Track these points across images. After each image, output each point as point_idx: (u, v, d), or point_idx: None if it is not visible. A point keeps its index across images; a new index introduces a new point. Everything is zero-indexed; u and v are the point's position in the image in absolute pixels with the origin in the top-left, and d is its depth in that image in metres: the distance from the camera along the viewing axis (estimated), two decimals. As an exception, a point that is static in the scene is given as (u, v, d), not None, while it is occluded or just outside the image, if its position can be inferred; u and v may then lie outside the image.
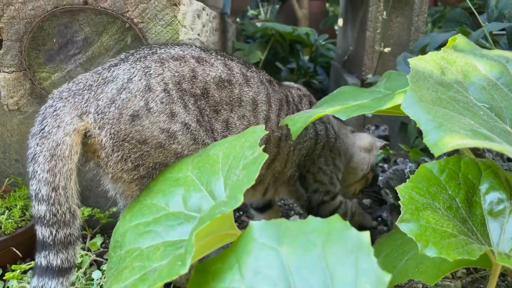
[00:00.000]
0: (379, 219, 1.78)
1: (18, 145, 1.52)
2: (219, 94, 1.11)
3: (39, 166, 0.94)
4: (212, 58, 1.15)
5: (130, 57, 1.06)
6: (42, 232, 0.95)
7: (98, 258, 1.32)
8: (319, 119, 1.46)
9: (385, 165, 1.83)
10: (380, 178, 1.67)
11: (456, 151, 1.20)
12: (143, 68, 1.02)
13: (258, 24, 3.82)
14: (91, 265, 1.31)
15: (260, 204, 1.62)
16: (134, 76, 1.00)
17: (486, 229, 0.78)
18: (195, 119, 1.05)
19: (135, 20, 1.28)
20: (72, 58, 1.30)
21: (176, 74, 1.05)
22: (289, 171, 1.41)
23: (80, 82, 1.03)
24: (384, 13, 2.32)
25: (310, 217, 0.57)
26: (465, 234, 0.74)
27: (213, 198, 0.88)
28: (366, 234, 0.52)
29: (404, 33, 2.44)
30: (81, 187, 1.46)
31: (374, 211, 1.82)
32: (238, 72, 1.19)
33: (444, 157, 0.87)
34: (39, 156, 0.94)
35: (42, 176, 0.93)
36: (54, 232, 0.94)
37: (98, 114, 0.98)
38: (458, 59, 0.90)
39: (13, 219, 1.31)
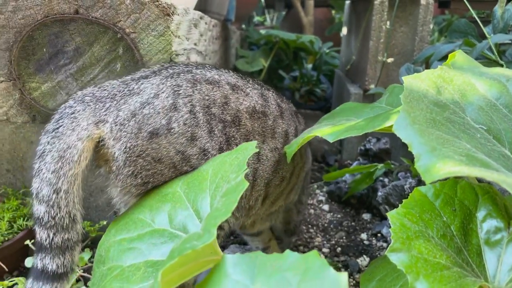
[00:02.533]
0: (379, 235, 1.73)
1: (9, 155, 1.50)
2: (251, 124, 1.08)
3: (45, 165, 0.91)
4: (249, 87, 1.12)
5: (163, 71, 1.03)
6: (40, 233, 0.92)
7: (85, 274, 1.29)
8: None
9: (386, 179, 1.79)
10: (379, 193, 1.63)
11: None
12: (173, 86, 0.99)
13: (263, 31, 3.79)
14: (78, 280, 1.27)
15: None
16: (162, 93, 0.97)
17: (482, 260, 0.73)
18: (217, 147, 1.01)
19: (127, 30, 1.25)
20: (62, 68, 1.28)
21: (207, 98, 1.01)
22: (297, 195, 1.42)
23: (105, 89, 1.00)
24: (388, 22, 2.28)
25: (288, 251, 0.54)
26: (460, 266, 0.70)
27: (199, 217, 0.85)
28: (344, 276, 0.48)
29: (408, 43, 2.40)
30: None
31: (374, 227, 1.77)
32: (274, 103, 1.17)
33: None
34: (47, 155, 0.92)
35: (46, 176, 0.91)
36: (51, 235, 0.92)
37: (116, 125, 0.94)
38: (455, 78, 0.85)
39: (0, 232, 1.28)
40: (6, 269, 1.28)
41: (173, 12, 1.28)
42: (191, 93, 1.00)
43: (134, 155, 0.95)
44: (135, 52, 1.27)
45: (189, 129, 0.97)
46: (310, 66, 3.52)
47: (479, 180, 0.90)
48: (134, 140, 0.94)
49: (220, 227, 1.07)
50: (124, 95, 0.97)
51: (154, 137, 0.95)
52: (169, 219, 0.89)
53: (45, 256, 0.92)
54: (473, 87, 0.84)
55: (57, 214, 0.91)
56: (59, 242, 0.92)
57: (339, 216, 1.89)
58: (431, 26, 3.48)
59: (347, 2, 3.06)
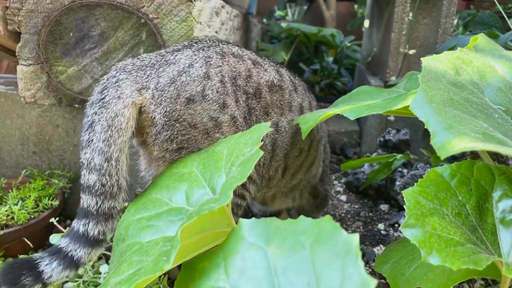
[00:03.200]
0: (396, 225, 1.73)
1: (36, 138, 1.55)
2: (270, 97, 1.14)
3: (95, 135, 0.95)
4: (266, 64, 1.19)
5: (194, 44, 1.10)
6: (87, 201, 0.96)
7: (107, 252, 1.33)
8: None
9: (405, 170, 1.78)
10: (397, 183, 1.62)
11: (476, 156, 1.15)
12: (205, 57, 1.06)
13: (284, 25, 3.79)
14: (99, 258, 1.32)
15: (273, 212, 1.61)
16: (196, 63, 1.03)
17: (496, 238, 0.73)
18: (243, 115, 1.07)
19: (150, 16, 1.28)
20: (88, 52, 1.32)
21: (234, 69, 1.08)
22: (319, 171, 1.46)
23: (144, 59, 1.06)
24: (410, 14, 2.26)
25: (302, 217, 0.55)
26: (473, 243, 0.70)
27: (215, 194, 0.87)
28: (355, 237, 0.49)
29: (431, 35, 2.37)
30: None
31: (391, 217, 1.77)
32: (288, 79, 1.23)
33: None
34: (96, 125, 0.95)
35: (97, 146, 0.95)
36: (99, 202, 0.96)
37: (157, 91, 0.99)
38: (475, 59, 0.85)
39: (26, 210, 1.33)
40: (32, 246, 1.32)
41: (195, -2, 1.30)
42: (221, 64, 1.06)
43: (172, 119, 0.99)
44: (158, 37, 1.30)
45: (221, 96, 1.03)
46: (331, 59, 3.51)
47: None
48: (173, 105, 0.99)
49: (242, 197, 1.10)
50: (162, 64, 1.03)
51: (190, 102, 1.00)
52: (186, 197, 0.92)
53: (89, 222, 0.96)
54: (493, 69, 0.84)
55: (107, 182, 0.95)
56: (106, 209, 0.96)
57: (356, 206, 1.90)
58: (456, 20, 3.43)
59: (370, -5, 3.04)
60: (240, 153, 0.83)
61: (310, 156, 1.32)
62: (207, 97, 1.01)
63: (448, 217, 0.73)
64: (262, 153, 0.71)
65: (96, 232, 0.96)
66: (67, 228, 1.33)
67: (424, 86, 0.76)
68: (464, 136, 0.66)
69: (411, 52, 2.21)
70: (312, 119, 1.05)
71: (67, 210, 1.58)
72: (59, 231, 1.33)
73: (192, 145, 1.03)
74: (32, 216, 1.34)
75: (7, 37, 1.32)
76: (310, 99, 1.31)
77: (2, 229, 1.28)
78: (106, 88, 0.98)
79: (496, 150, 0.61)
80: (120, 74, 1.01)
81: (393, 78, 2.29)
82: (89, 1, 1.27)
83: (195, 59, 1.04)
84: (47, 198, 1.40)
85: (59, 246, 0.95)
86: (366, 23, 3.10)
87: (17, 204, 1.34)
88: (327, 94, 3.23)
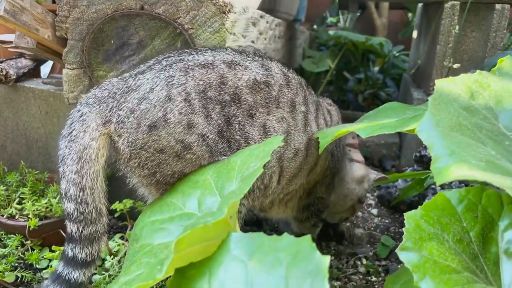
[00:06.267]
0: (426, 243, 1.69)
1: (79, 136, 1.65)
2: (253, 98, 1.08)
3: (67, 167, 1.00)
4: (248, 60, 1.13)
5: (157, 65, 1.08)
6: (70, 227, 1.02)
7: (133, 249, 1.39)
8: None
9: (438, 188, 1.74)
10: (427, 200, 1.59)
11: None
12: (166, 77, 1.03)
13: (331, 32, 3.78)
14: (126, 254, 1.39)
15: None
16: (156, 86, 1.02)
17: (498, 268, 0.72)
18: (215, 130, 1.04)
19: (186, 26, 1.34)
20: (126, 59, 1.39)
21: (201, 82, 1.04)
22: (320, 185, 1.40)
23: (105, 88, 1.07)
24: (457, 27, 2.19)
25: (285, 234, 0.57)
26: (472, 272, 0.69)
27: None
28: (326, 259, 0.51)
29: (479, 49, 2.29)
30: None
31: (421, 234, 1.73)
32: (278, 72, 1.16)
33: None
34: (67, 158, 1.01)
35: (71, 177, 1.00)
36: (81, 228, 1.01)
37: (118, 124, 1.02)
38: (493, 83, 0.84)
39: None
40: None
41: (229, 10, 1.35)
42: (185, 81, 1.03)
43: (137, 148, 1.02)
44: (192, 47, 1.35)
45: (185, 117, 1.01)
46: (376, 69, 3.46)
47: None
48: (134, 135, 1.01)
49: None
50: (123, 93, 1.04)
51: (153, 129, 1.00)
52: (198, 203, 0.95)
53: (75, 246, 1.02)
54: (511, 93, 0.82)
55: (85, 210, 1.01)
56: (88, 234, 1.02)
57: (387, 221, 1.87)
58: (508, 35, 3.27)
59: (420, 5, 2.97)
60: (250, 166, 0.86)
61: (309, 157, 1.24)
62: (169, 120, 1.00)
63: (448, 243, 0.72)
64: (262, 170, 0.73)
65: (83, 256, 1.02)
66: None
67: (433, 109, 0.76)
68: (464, 163, 0.65)
69: (456, 66, 2.14)
70: (330, 134, 1.06)
71: (103, 206, 1.67)
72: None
73: (164, 168, 1.04)
74: (69, 210, 1.43)
75: (55, 42, 1.43)
76: (305, 93, 1.23)
77: (41, 220, 1.38)
78: (73, 123, 1.03)
79: (491, 181, 0.61)
80: (83, 108, 1.04)
81: (436, 91, 2.23)
82: (130, 11, 1.34)
83: (156, 82, 1.02)
84: (84, 193, 1.49)
85: (58, 272, 1.03)
86: (415, 33, 3.03)
87: (55, 198, 1.44)
88: (370, 104, 3.19)
